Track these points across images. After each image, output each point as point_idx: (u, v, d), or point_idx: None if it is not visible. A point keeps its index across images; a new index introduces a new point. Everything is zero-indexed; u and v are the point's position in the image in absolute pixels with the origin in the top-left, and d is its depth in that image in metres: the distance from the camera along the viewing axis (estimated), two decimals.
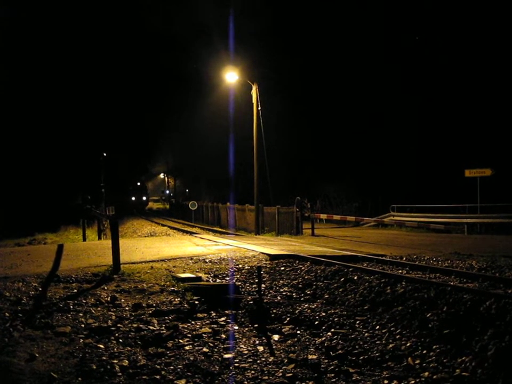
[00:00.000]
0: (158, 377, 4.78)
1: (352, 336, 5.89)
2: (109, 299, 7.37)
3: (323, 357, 5.37)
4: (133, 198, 76.32)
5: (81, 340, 5.67)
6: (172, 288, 8.06)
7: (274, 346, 5.77)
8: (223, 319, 6.78)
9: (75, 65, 47.78)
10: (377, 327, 6.15)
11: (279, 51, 42.85)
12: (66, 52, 46.80)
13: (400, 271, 9.10)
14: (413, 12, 35.20)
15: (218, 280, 8.90)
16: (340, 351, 5.45)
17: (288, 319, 6.71)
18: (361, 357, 5.27)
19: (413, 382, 4.58)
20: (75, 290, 7.82)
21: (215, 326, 6.44)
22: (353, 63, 37.75)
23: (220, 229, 29.09)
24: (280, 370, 4.99)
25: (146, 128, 68.68)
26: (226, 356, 5.41)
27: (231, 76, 23.76)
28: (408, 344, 5.46)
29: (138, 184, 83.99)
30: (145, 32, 65.02)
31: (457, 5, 32.26)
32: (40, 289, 7.63)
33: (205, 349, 5.58)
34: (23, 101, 38.73)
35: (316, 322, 6.49)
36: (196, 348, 5.63)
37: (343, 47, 38.86)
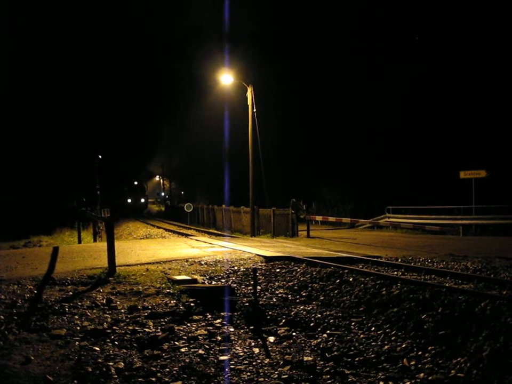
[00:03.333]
0: (153, 379, 4.78)
1: (348, 337, 5.90)
2: (104, 301, 7.36)
3: (319, 359, 5.38)
4: (129, 200, 69.43)
5: (77, 343, 5.66)
6: (168, 291, 8.05)
7: (270, 348, 5.77)
8: (218, 321, 6.78)
9: (72, 68, 47.83)
10: (373, 328, 6.17)
11: (275, 53, 42.97)
12: (64, 54, 46.89)
13: (395, 273, 9.13)
14: (413, 11, 35.34)
15: (214, 282, 8.90)
16: (335, 353, 5.46)
17: (283, 320, 6.71)
18: (357, 358, 5.28)
19: (408, 383, 4.59)
20: (70, 293, 7.81)
21: (211, 328, 6.44)
22: (349, 64, 37.85)
23: (215, 231, 29.06)
24: (276, 372, 5.00)
25: (142, 128, 68.55)
26: (222, 357, 5.41)
27: (226, 78, 23.78)
28: (403, 346, 5.47)
29: (136, 183, 76.16)
30: (142, 34, 65.13)
31: (457, 5, 32.39)
32: (36, 292, 7.61)
33: (200, 351, 5.57)
34: (19, 103, 38.67)
35: (312, 324, 6.50)
36: (192, 350, 5.63)
37: (341, 48, 38.97)
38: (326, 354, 5.46)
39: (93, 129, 47.99)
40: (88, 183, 37.24)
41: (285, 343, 5.94)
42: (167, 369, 5.03)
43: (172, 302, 7.47)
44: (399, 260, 10.98)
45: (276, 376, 4.90)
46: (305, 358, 5.33)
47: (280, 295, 8.08)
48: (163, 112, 70.66)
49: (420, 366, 4.95)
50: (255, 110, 23.29)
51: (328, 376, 4.89)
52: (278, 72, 39.93)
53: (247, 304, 7.32)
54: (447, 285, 7.52)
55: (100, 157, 38.37)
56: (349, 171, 35.31)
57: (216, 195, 48.22)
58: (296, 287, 8.49)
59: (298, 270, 9.66)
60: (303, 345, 5.86)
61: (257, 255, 11.91)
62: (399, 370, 4.91)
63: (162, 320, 6.65)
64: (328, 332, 6.17)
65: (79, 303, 7.23)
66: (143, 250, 13.19)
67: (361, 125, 35.88)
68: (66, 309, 6.88)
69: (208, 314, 7.05)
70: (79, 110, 46.04)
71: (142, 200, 74.15)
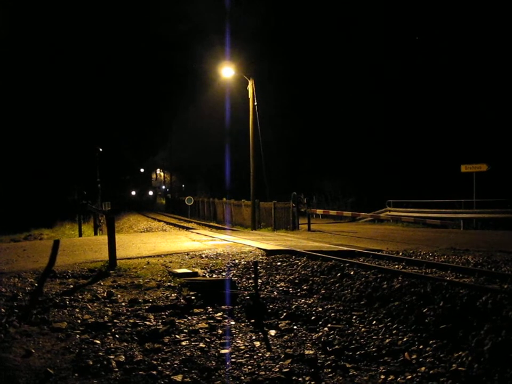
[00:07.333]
0: (154, 372, 4.76)
1: (349, 331, 5.89)
2: (105, 294, 7.35)
3: (320, 352, 5.37)
4: (133, 193, 60.97)
5: (78, 336, 5.66)
6: (168, 284, 8.04)
7: (271, 342, 5.76)
8: (219, 314, 6.77)
9: (73, 60, 47.63)
10: (374, 322, 6.16)
11: (277, 46, 42.78)
12: (65, 46, 46.67)
13: (396, 266, 9.11)
14: (413, 11, 35.20)
15: (214, 276, 8.89)
16: (336, 346, 5.45)
17: (284, 314, 6.70)
18: (358, 352, 5.27)
19: (409, 377, 4.58)
20: (71, 286, 7.80)
21: (212, 321, 6.43)
22: (350, 58, 37.70)
23: (216, 224, 29.07)
24: (277, 366, 4.98)
25: (144, 121, 68.07)
26: (223, 351, 5.40)
27: (227, 71, 23.69)
28: (404, 339, 5.46)
29: (142, 170, 66.00)
30: (143, 26, 64.77)
31: (457, 5, 32.23)
32: (36, 285, 7.60)
33: (201, 344, 5.56)
34: (19, 95, 38.53)
35: (313, 318, 6.49)
36: (193, 343, 5.62)
37: (342, 43, 38.80)
38: (327, 347, 5.46)
39: (94, 121, 47.91)
40: (89, 175, 37.21)
41: (286, 337, 5.93)
42: (168, 363, 5.03)
43: (172, 295, 7.46)
44: (400, 254, 10.97)
45: (277, 369, 4.89)
46: (306, 352, 5.32)
47: (281, 288, 8.07)
48: (164, 102, 70.19)
49: (421, 359, 4.94)
50: (256, 103, 23.21)
51: (329, 370, 4.88)
52: (279, 64, 39.79)
53: (248, 297, 7.30)
54: (448, 278, 7.50)
55: (101, 150, 38.31)
56: (350, 164, 35.30)
57: (217, 188, 48.23)
58: (297, 281, 8.48)
59: (299, 263, 9.65)
60: (304, 338, 5.85)
61: (258, 248, 11.90)
62: (400, 364, 4.90)
63: (163, 313, 6.64)
64: (329, 325, 6.16)
65: (80, 296, 7.22)
66: (144, 244, 13.19)
67: (362, 118, 35.81)
68: (67, 302, 6.87)
69: (209, 307, 7.04)
70: (80, 102, 45.91)
71: (150, 192, 63.90)
